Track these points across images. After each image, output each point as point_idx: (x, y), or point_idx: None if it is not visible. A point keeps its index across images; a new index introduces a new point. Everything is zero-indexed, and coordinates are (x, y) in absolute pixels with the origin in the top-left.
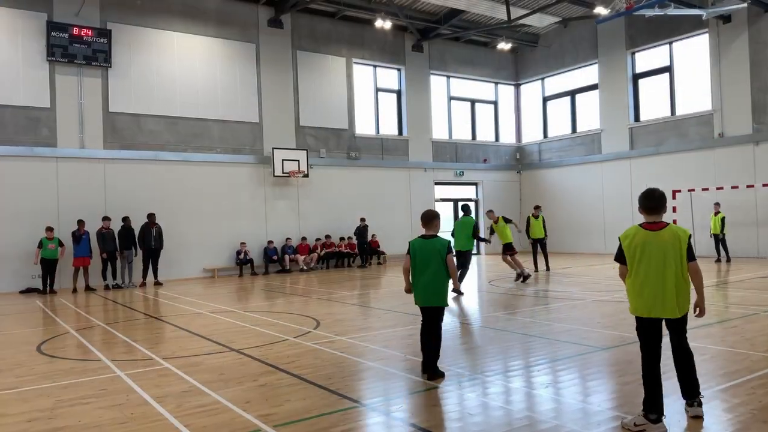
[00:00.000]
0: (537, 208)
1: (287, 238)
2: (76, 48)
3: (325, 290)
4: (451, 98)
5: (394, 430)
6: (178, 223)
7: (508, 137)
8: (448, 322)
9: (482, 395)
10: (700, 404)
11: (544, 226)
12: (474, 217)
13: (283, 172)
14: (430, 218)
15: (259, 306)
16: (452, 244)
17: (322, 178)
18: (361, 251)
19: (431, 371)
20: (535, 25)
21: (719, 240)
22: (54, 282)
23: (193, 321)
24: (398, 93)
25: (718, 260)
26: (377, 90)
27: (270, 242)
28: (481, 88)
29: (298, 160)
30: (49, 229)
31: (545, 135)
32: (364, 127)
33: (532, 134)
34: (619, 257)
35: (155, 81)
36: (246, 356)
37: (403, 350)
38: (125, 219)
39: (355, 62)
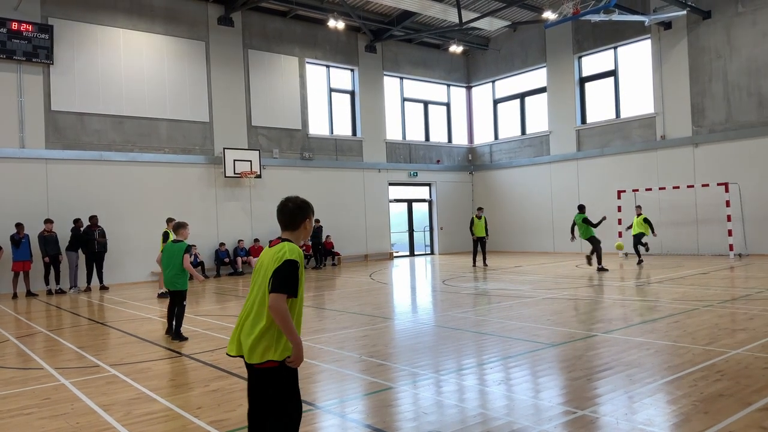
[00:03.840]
0: (480, 209)
1: (239, 240)
2: (16, 43)
3: None
4: (404, 99)
5: (350, 431)
6: (124, 226)
7: (460, 138)
8: (404, 321)
9: (436, 394)
10: None
11: (486, 227)
12: (584, 213)
13: (234, 173)
14: (178, 227)
15: (210, 310)
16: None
17: (275, 178)
18: (315, 252)
19: (177, 336)
20: (485, 28)
21: (639, 240)
22: None
23: (141, 326)
24: (352, 93)
25: (640, 261)
26: (330, 90)
27: (221, 244)
28: (434, 90)
29: (251, 161)
30: None
31: (496, 137)
32: (317, 127)
33: (483, 136)
34: None
35: (100, 79)
36: (197, 361)
37: (358, 351)
38: (76, 221)
39: (307, 62)
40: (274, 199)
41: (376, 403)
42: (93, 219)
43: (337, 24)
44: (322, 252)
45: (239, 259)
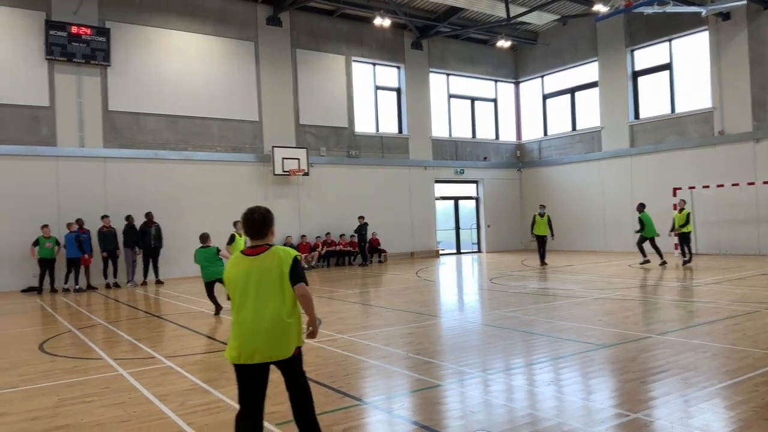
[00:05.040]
0: (542, 206)
1: (288, 237)
2: (75, 46)
3: (326, 288)
4: (450, 96)
5: (396, 428)
6: (178, 222)
7: (508, 135)
8: (451, 319)
9: (484, 393)
10: None
11: (550, 225)
12: (647, 214)
13: (283, 171)
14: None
15: None
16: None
17: (323, 176)
18: (361, 250)
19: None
20: (534, 22)
21: (687, 239)
22: (54, 281)
23: (194, 319)
24: (398, 91)
25: (687, 261)
26: (377, 88)
27: None
28: (481, 86)
29: (299, 159)
30: (45, 227)
31: (545, 133)
32: (363, 125)
33: (532, 132)
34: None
35: (154, 79)
36: None
37: (405, 348)
38: (128, 217)
39: (354, 60)
40: (321, 197)
41: (423, 401)
42: (148, 215)
43: (383, 22)
44: (368, 249)
45: None
